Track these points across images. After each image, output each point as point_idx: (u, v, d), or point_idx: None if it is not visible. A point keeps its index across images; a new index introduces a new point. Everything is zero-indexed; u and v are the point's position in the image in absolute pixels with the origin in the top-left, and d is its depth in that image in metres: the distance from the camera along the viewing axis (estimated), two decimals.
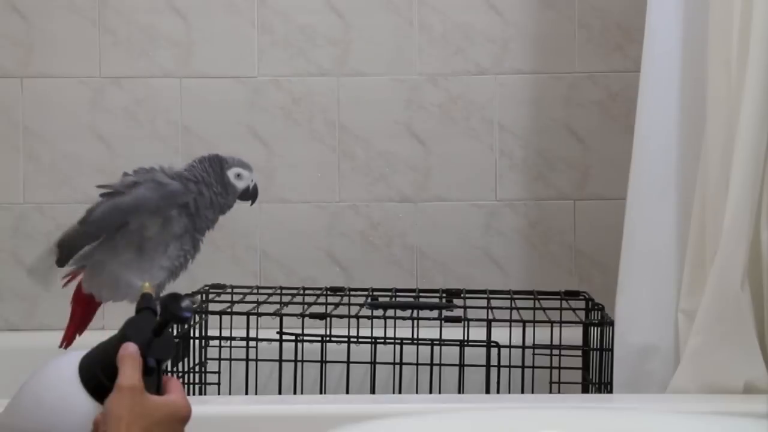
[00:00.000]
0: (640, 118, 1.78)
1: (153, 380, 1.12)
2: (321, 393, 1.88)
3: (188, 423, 1.13)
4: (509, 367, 1.86)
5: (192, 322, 1.92)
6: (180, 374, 1.86)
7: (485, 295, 2.03)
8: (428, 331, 1.92)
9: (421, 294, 2.12)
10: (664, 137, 1.77)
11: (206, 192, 1.83)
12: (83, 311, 1.89)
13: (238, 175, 1.87)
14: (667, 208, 1.77)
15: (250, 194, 1.89)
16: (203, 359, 1.99)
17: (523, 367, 1.86)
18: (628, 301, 1.76)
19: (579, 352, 1.89)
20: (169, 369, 1.82)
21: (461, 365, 1.87)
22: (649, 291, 1.76)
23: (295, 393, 1.89)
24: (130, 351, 1.11)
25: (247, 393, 1.87)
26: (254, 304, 1.91)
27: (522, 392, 1.87)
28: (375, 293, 2.10)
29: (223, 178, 1.86)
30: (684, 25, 1.75)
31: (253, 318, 1.86)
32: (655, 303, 1.75)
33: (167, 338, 1.14)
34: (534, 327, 1.84)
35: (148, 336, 1.12)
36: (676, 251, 1.75)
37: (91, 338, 1.31)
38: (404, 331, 1.92)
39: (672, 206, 1.77)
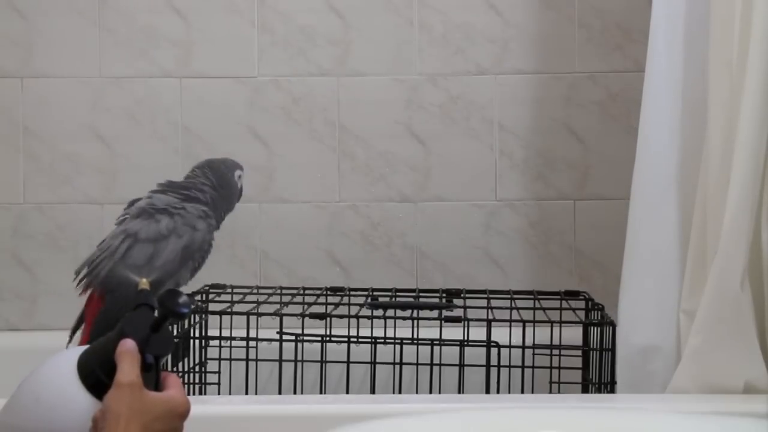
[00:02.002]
0: (643, 119, 1.77)
1: (151, 376, 1.12)
2: (321, 393, 1.88)
3: (189, 423, 1.13)
4: (509, 367, 1.86)
5: (192, 321, 1.92)
6: (180, 374, 1.86)
7: (485, 295, 2.03)
8: (428, 331, 1.92)
9: (421, 294, 2.12)
10: (667, 137, 1.77)
11: (218, 201, 1.94)
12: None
13: (239, 176, 2.00)
14: (669, 208, 1.77)
15: (241, 193, 2.02)
16: (203, 359, 1.99)
17: (523, 367, 1.86)
18: (631, 302, 1.77)
19: (579, 352, 1.89)
20: (170, 369, 1.82)
21: (461, 365, 1.87)
22: (652, 291, 1.76)
23: (295, 393, 1.89)
24: (128, 347, 1.11)
25: (247, 393, 1.87)
26: (254, 304, 1.91)
27: (522, 392, 1.87)
28: (375, 293, 2.10)
29: (229, 182, 1.98)
30: (686, 25, 1.75)
31: (253, 318, 1.86)
32: (657, 303, 1.75)
33: (165, 334, 1.14)
34: (534, 327, 1.84)
35: (146, 332, 1.12)
36: (679, 252, 1.75)
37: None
38: (404, 331, 1.92)
39: (674, 207, 1.77)
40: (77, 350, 1.15)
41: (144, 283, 1.19)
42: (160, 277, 1.81)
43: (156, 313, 1.14)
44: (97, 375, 1.11)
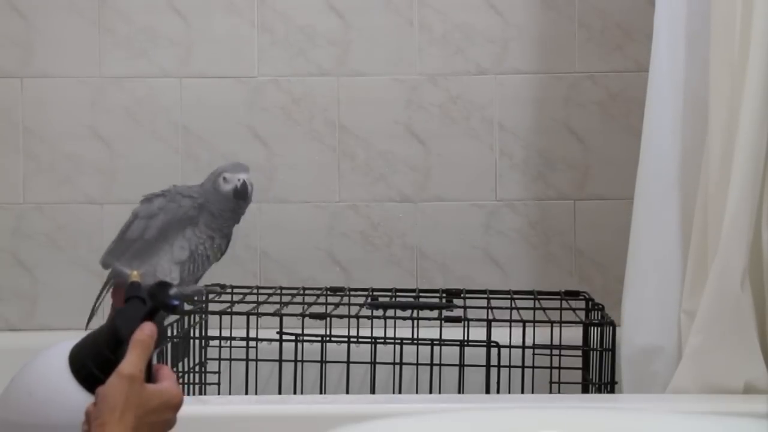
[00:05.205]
0: (647, 119, 1.77)
1: (144, 368, 1.12)
2: (321, 393, 1.88)
3: (189, 423, 1.13)
4: (509, 367, 1.86)
5: (192, 321, 1.92)
6: (180, 374, 1.86)
7: (485, 295, 2.03)
8: (428, 331, 1.92)
9: (421, 294, 2.12)
10: (670, 138, 1.77)
11: (207, 205, 2.02)
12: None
13: (224, 179, 2.02)
14: (672, 209, 1.77)
15: (238, 193, 2.02)
16: (203, 359, 1.99)
17: (523, 367, 1.86)
18: (634, 303, 1.77)
19: (579, 352, 1.89)
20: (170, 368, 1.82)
21: (461, 365, 1.87)
22: (655, 292, 1.76)
23: (295, 393, 1.89)
24: (145, 336, 1.10)
25: (247, 393, 1.87)
26: (254, 304, 1.91)
27: (522, 392, 1.87)
28: (375, 293, 2.10)
29: (215, 187, 2.02)
30: (688, 25, 1.75)
31: (253, 318, 1.86)
32: (660, 304, 1.75)
33: (158, 326, 1.14)
34: (534, 327, 1.84)
35: (137, 325, 1.11)
36: (681, 252, 1.75)
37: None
38: (404, 331, 1.91)
39: (677, 207, 1.77)
40: (69, 343, 1.15)
41: (135, 275, 1.18)
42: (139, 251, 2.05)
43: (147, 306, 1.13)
44: (89, 368, 1.11)
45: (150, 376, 1.12)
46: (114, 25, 2.37)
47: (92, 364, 1.11)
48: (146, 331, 1.10)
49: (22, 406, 1.12)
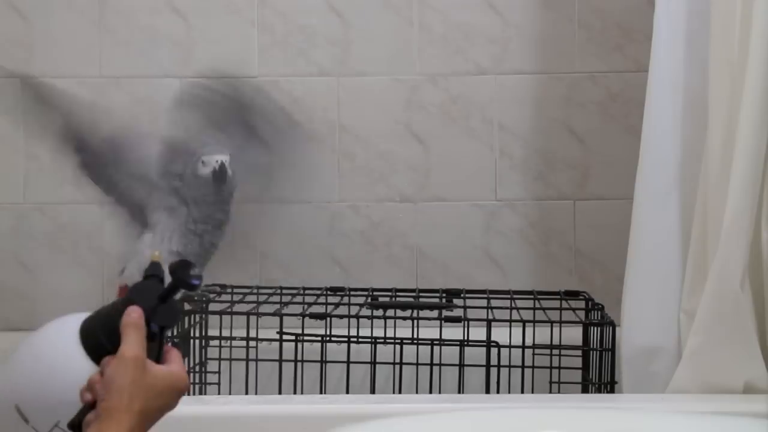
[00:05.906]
0: (646, 119, 1.77)
1: (154, 347, 1.11)
2: (321, 393, 1.88)
3: (189, 423, 1.13)
4: (509, 367, 1.86)
5: (192, 321, 1.92)
6: None
7: (485, 295, 2.03)
8: (428, 331, 1.92)
9: (421, 294, 2.12)
10: (670, 138, 1.77)
11: (185, 190, 2.01)
12: None
13: (203, 162, 2.01)
14: (672, 209, 1.77)
15: (217, 176, 2.00)
16: (203, 359, 1.99)
17: (523, 367, 1.86)
18: (634, 303, 1.77)
19: (579, 352, 1.89)
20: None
21: (461, 365, 1.87)
22: (655, 292, 1.76)
23: (295, 393, 1.89)
24: (134, 319, 1.09)
25: (247, 393, 1.87)
26: (254, 304, 1.91)
27: (522, 392, 1.87)
28: (375, 293, 2.10)
29: (194, 171, 2.01)
30: (688, 24, 1.75)
31: (253, 318, 1.86)
32: (660, 304, 1.75)
33: (173, 305, 1.13)
34: (534, 327, 1.84)
35: (153, 302, 1.11)
36: (681, 252, 1.75)
37: None
38: (404, 331, 1.92)
39: (677, 207, 1.77)
40: (81, 315, 1.14)
41: (156, 256, 1.18)
42: None
43: (166, 284, 1.13)
44: (98, 338, 1.10)
45: (160, 356, 1.12)
46: (114, 25, 2.36)
47: (102, 334, 1.10)
48: (133, 314, 1.09)
49: (28, 368, 1.12)
